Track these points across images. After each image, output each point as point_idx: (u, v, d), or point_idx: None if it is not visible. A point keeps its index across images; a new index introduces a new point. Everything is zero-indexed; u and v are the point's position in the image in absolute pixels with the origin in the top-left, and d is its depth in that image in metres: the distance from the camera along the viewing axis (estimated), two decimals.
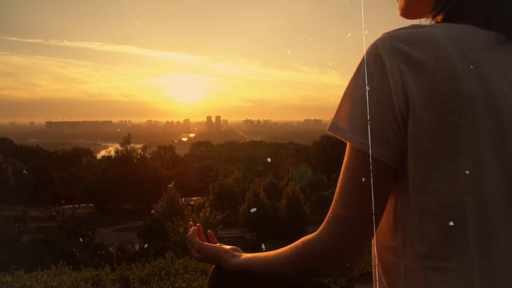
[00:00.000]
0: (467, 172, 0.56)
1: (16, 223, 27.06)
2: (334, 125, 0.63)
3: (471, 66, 0.56)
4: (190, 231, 0.99)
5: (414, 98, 0.56)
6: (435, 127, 0.56)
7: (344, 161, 0.63)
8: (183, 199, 34.98)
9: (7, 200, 36.34)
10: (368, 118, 0.59)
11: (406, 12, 0.73)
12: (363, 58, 0.61)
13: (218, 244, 0.99)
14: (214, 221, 19.01)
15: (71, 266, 2.67)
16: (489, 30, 0.59)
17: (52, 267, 2.57)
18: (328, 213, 0.64)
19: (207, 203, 22.00)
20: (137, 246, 22.35)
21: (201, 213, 19.03)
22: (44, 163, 44.38)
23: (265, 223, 25.07)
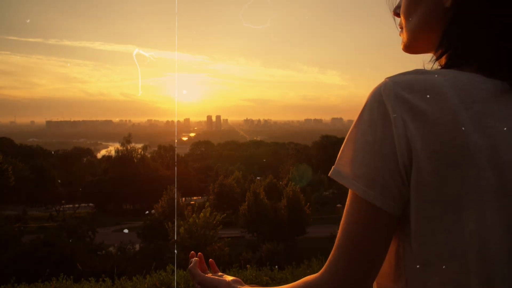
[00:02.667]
0: (469, 227, 0.55)
1: (17, 223, 27.11)
2: (336, 170, 0.62)
3: (475, 119, 0.55)
4: (191, 262, 0.98)
5: (417, 150, 0.55)
6: (438, 179, 0.55)
7: (346, 205, 0.63)
8: (183, 199, 35.00)
9: (7, 200, 36.39)
10: (372, 165, 0.58)
11: (409, 49, 0.73)
12: (366, 103, 0.61)
13: (220, 273, 0.98)
14: (214, 222, 19.03)
15: (71, 277, 2.66)
16: (493, 78, 0.59)
17: (52, 279, 2.56)
18: (330, 256, 0.63)
19: (207, 203, 22.01)
20: (137, 246, 22.38)
21: (201, 213, 19.06)
22: (44, 163, 44.40)
23: (265, 224, 25.07)
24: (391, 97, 0.57)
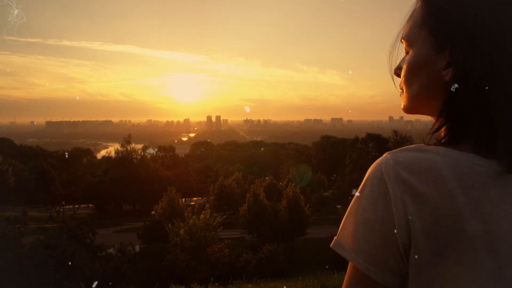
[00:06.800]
0: None
1: (17, 224, 27.04)
2: (338, 242, 0.65)
3: (473, 205, 0.56)
4: None
5: (416, 231, 0.57)
6: (435, 260, 0.57)
7: (346, 275, 0.65)
8: (183, 199, 34.97)
9: (7, 201, 36.37)
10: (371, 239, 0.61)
11: (409, 111, 0.74)
12: (367, 178, 0.63)
13: None
14: (215, 223, 19.03)
15: None
16: (491, 157, 0.59)
17: None
18: None
19: (207, 205, 22.00)
20: (137, 248, 22.38)
21: (202, 215, 19.05)
22: (44, 164, 44.38)
23: (265, 225, 25.06)
24: (391, 177, 0.59)
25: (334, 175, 43.28)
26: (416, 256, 0.58)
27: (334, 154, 48.77)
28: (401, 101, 0.75)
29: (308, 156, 51.88)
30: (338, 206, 30.71)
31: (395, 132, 43.77)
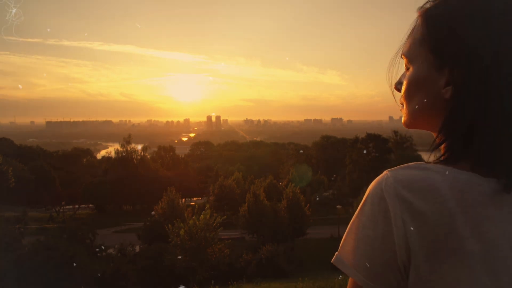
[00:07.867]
0: None
1: (17, 225, 27.05)
2: (339, 258, 0.65)
3: (471, 224, 0.57)
4: None
5: (415, 249, 0.58)
6: (435, 278, 0.57)
7: None
8: (183, 200, 34.94)
9: (7, 201, 36.34)
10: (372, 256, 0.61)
11: (409, 126, 0.75)
12: (368, 195, 0.64)
13: None
14: (215, 223, 19.01)
15: None
16: (490, 176, 0.60)
17: None
18: None
19: (207, 205, 21.96)
20: (137, 248, 22.37)
21: (202, 215, 19.03)
22: (44, 164, 44.35)
23: (265, 225, 25.05)
24: (392, 196, 0.60)
25: (334, 175, 43.24)
26: (415, 274, 0.58)
27: (334, 154, 48.75)
28: (402, 113, 0.76)
29: (308, 156, 51.84)
30: (338, 206, 30.67)
31: (395, 132, 43.82)
